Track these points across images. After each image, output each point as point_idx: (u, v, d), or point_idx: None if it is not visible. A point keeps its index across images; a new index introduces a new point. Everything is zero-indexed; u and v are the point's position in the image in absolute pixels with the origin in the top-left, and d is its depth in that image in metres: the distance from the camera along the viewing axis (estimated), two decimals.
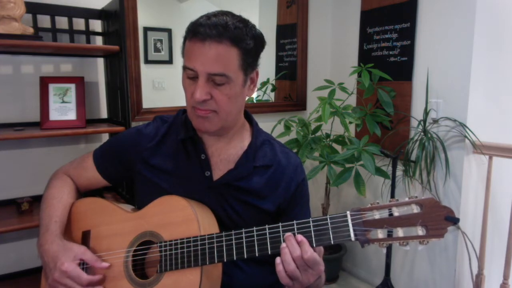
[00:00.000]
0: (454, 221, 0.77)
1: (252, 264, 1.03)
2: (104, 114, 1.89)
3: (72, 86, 1.67)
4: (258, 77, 1.00)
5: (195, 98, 0.89)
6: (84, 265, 0.97)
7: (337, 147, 2.30)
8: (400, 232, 0.80)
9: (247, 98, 1.01)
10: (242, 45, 0.89)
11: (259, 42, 0.94)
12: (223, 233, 0.89)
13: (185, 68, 0.91)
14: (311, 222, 0.84)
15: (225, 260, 0.88)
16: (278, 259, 0.83)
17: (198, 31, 0.87)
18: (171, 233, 0.93)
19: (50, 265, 0.93)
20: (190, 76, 0.91)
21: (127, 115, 1.63)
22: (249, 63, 0.92)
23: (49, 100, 1.63)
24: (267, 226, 0.87)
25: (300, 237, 0.83)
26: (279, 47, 2.70)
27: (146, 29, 2.35)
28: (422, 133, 2.01)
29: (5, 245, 1.72)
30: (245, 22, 0.91)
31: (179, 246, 0.91)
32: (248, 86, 0.97)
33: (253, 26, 0.93)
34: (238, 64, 0.90)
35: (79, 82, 1.69)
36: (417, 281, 2.22)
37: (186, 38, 0.92)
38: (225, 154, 1.02)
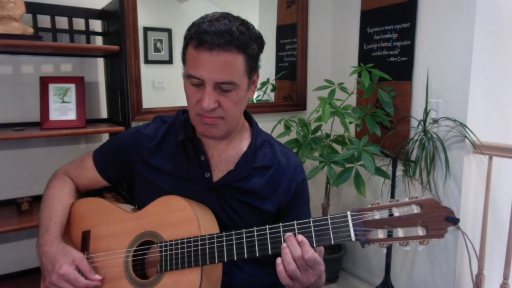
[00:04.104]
0: (454, 221, 0.77)
1: (252, 264, 1.03)
2: (104, 114, 1.89)
3: (72, 86, 1.67)
4: (259, 78, 0.99)
5: (203, 107, 0.87)
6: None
7: (337, 147, 2.30)
8: (400, 232, 0.80)
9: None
10: (248, 51, 0.88)
11: (260, 44, 0.93)
12: (224, 233, 0.89)
13: (189, 76, 0.89)
14: (311, 222, 0.84)
15: (225, 260, 0.88)
16: (279, 259, 0.83)
17: (204, 40, 0.84)
18: (171, 233, 0.93)
19: (48, 267, 0.93)
20: (195, 83, 0.89)
21: (127, 115, 1.63)
22: (253, 67, 0.92)
23: (49, 100, 1.63)
24: (267, 226, 0.87)
25: (300, 237, 0.83)
26: (279, 47, 2.70)
27: (146, 29, 2.35)
28: (422, 133, 2.01)
29: (5, 245, 1.72)
30: (246, 25, 0.90)
31: (179, 246, 0.91)
32: (250, 88, 0.97)
33: (253, 28, 0.92)
34: (243, 69, 0.89)
35: (79, 82, 1.69)
36: (417, 281, 2.22)
37: (188, 44, 0.89)
38: (225, 155, 1.02)
